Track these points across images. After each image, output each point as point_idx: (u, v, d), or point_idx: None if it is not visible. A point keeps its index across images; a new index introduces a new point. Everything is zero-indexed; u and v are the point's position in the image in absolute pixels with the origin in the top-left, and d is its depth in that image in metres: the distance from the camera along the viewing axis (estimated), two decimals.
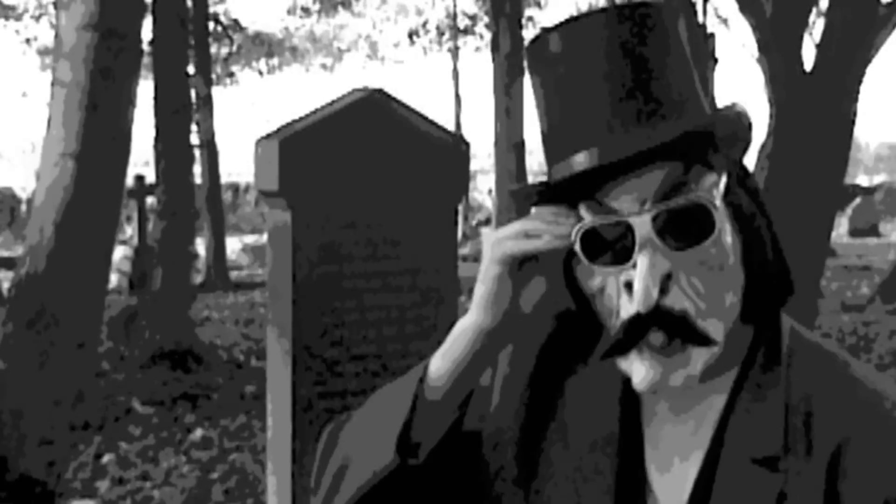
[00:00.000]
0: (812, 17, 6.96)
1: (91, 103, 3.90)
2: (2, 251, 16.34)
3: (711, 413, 1.01)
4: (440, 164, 2.93)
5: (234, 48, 18.89)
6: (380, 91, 2.91)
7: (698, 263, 0.96)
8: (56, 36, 4.07)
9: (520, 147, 12.74)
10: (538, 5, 19.07)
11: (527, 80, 1.06)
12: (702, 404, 1.02)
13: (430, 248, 2.92)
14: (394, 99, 2.91)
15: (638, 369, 0.96)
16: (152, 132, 7.71)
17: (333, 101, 2.90)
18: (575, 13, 1.05)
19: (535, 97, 1.05)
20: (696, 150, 0.97)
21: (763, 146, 6.60)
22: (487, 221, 19.58)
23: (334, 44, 26.63)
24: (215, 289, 12.34)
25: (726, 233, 0.97)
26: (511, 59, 12.49)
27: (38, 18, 18.47)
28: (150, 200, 10.07)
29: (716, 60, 11.38)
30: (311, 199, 2.78)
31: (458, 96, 22.01)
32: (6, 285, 5.85)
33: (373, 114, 2.86)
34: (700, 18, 10.96)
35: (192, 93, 9.75)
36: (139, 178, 11.40)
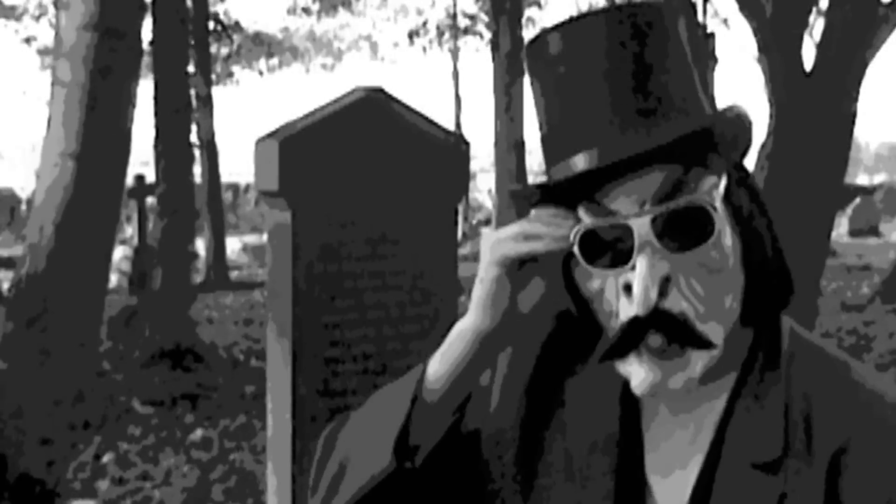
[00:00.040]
0: (812, 17, 6.95)
1: (91, 103, 3.90)
2: (2, 251, 16.34)
3: (711, 416, 1.01)
4: (440, 164, 2.93)
5: (234, 48, 18.89)
6: (380, 91, 2.91)
7: (698, 266, 0.95)
8: (56, 35, 4.07)
9: (520, 147, 12.74)
10: (538, 5, 19.05)
11: (527, 80, 1.06)
12: (701, 407, 1.02)
13: (430, 248, 2.92)
14: (394, 99, 2.91)
15: (637, 372, 0.96)
16: (152, 132, 7.71)
17: (333, 101, 2.89)
18: (575, 13, 1.04)
19: (534, 98, 1.04)
20: (696, 151, 0.96)
21: (763, 146, 6.60)
22: (487, 221, 19.58)
23: (334, 44, 26.63)
24: (215, 288, 12.34)
25: (726, 235, 0.97)
26: (511, 58, 12.49)
27: (38, 18, 18.47)
28: (150, 200, 10.06)
29: (716, 60, 11.38)
30: (311, 199, 2.78)
31: (458, 96, 22.02)
32: (6, 285, 5.85)
33: (373, 114, 2.86)
34: (700, 18, 10.96)
35: (192, 92, 9.75)
36: (139, 178, 11.39)
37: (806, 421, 0.97)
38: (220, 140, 13.05)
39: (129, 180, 10.02)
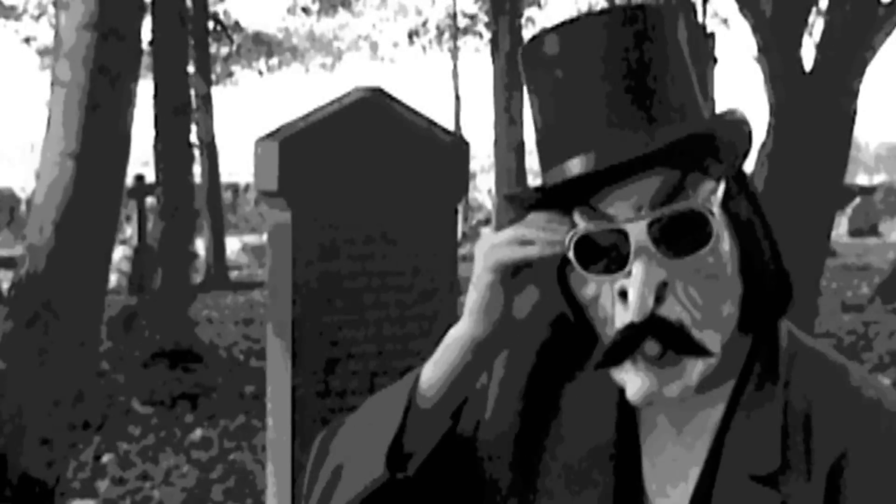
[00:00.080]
0: (812, 17, 6.96)
1: (91, 103, 3.90)
2: (2, 251, 16.34)
3: (709, 425, 1.00)
4: (440, 164, 2.93)
5: (234, 48, 18.89)
6: (380, 91, 2.91)
7: (695, 272, 0.93)
8: (56, 35, 4.06)
9: (520, 147, 12.74)
10: (538, 5, 19.06)
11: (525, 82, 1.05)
12: (699, 416, 1.00)
13: (430, 248, 2.92)
14: (394, 99, 2.91)
15: (632, 380, 0.94)
16: (152, 132, 7.71)
17: (333, 101, 2.90)
18: (575, 13, 1.04)
19: (529, 100, 1.03)
20: (695, 156, 0.95)
21: (763, 146, 6.60)
22: (487, 221, 19.59)
23: (334, 44, 26.63)
24: (215, 288, 12.34)
25: (724, 241, 0.95)
26: (511, 58, 12.49)
27: (37, 18, 18.47)
28: (150, 200, 10.07)
29: (716, 60, 11.39)
30: (310, 198, 2.78)
31: (457, 96, 22.03)
32: (6, 285, 5.85)
33: (373, 114, 2.86)
34: (700, 18, 10.97)
35: (192, 92, 9.75)
36: (139, 178, 11.40)
37: (805, 431, 0.96)
38: (219, 140, 13.05)
39: (129, 180, 10.04)
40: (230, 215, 19.36)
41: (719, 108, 1.02)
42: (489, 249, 0.99)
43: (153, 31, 7.64)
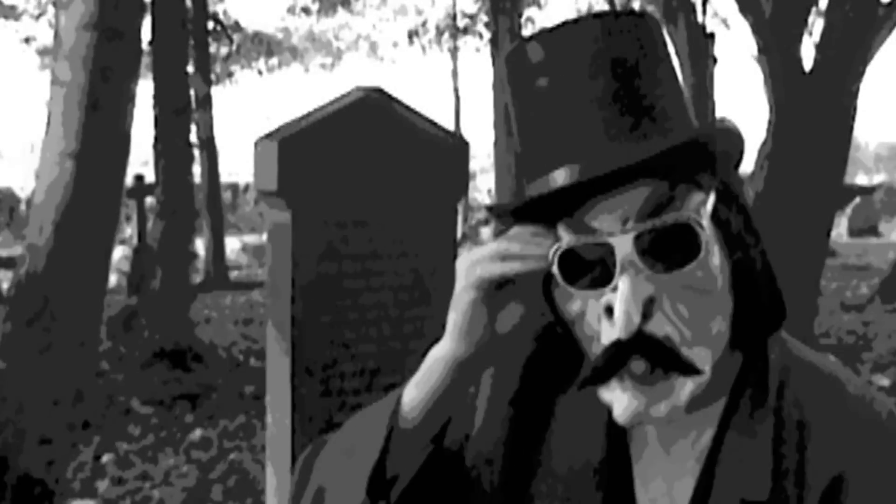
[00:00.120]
0: (812, 17, 6.96)
1: (91, 103, 3.89)
2: (2, 251, 16.34)
3: (700, 445, 0.97)
4: (440, 164, 2.93)
5: (234, 48, 18.89)
6: (379, 91, 2.91)
7: (683, 287, 0.90)
8: (56, 35, 4.06)
9: None
10: (538, 5, 19.06)
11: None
12: (690, 435, 0.98)
13: (430, 248, 2.92)
14: (393, 98, 2.91)
15: (619, 399, 0.91)
16: (152, 132, 7.71)
17: (333, 101, 2.90)
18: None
19: (512, 110, 0.99)
20: (683, 167, 0.91)
21: (763, 146, 6.60)
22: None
23: (334, 44, 26.63)
24: (214, 288, 12.35)
25: (714, 255, 0.92)
26: None
27: (37, 18, 18.47)
28: (150, 200, 10.06)
29: (715, 60, 11.39)
30: (310, 199, 2.78)
31: (457, 96, 22.04)
32: (6, 285, 5.85)
33: (372, 113, 2.86)
34: (700, 18, 10.97)
35: (192, 92, 9.75)
36: (139, 178, 11.40)
37: (799, 452, 0.94)
38: (219, 140, 13.05)
39: (129, 180, 10.04)
40: (230, 215, 19.37)
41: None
42: (470, 265, 0.95)
43: (153, 31, 7.64)
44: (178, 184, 7.65)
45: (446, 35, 21.60)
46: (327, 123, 2.81)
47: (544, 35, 0.95)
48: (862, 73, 6.50)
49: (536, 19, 18.59)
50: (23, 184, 21.07)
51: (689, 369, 0.90)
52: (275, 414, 2.86)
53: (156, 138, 7.70)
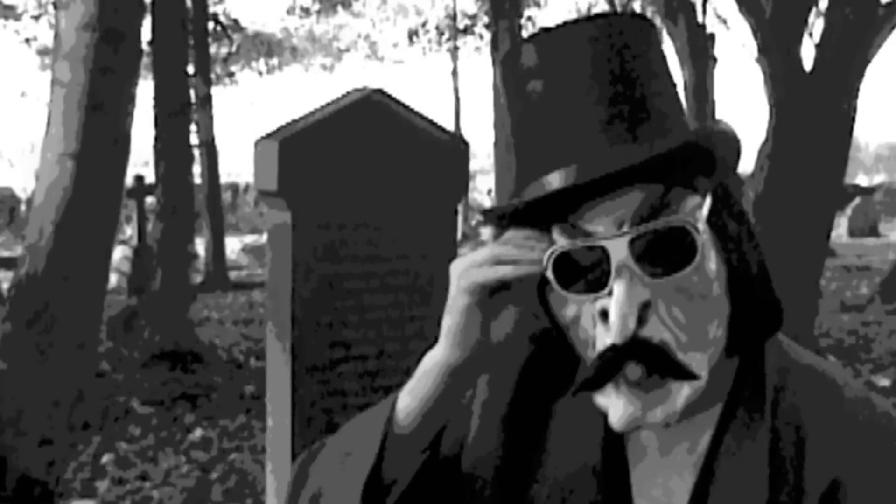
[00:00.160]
0: (812, 17, 6.96)
1: (91, 103, 3.89)
2: (2, 251, 16.35)
3: (697, 451, 0.96)
4: (440, 164, 2.93)
5: (234, 48, 18.90)
6: (379, 91, 2.91)
7: (679, 291, 0.89)
8: (56, 36, 4.06)
9: None
10: (538, 5, 19.06)
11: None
12: (687, 441, 0.97)
13: (430, 248, 2.92)
14: (393, 99, 2.91)
15: (614, 405, 0.90)
16: (152, 132, 7.72)
17: (333, 101, 2.90)
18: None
19: (508, 112, 0.98)
20: (679, 170, 0.90)
21: (763, 146, 6.61)
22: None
23: (334, 44, 26.64)
24: (215, 289, 12.35)
25: (710, 259, 0.91)
26: None
27: (37, 18, 18.48)
28: (150, 200, 10.07)
29: (715, 60, 11.40)
30: (310, 199, 2.78)
31: (457, 96, 22.05)
32: (6, 285, 5.85)
33: (372, 114, 2.86)
34: (700, 18, 10.97)
35: (192, 93, 9.76)
36: (139, 178, 11.41)
37: (797, 457, 0.93)
38: (219, 140, 13.06)
39: (129, 180, 10.04)
40: (230, 215, 19.38)
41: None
42: (464, 270, 0.94)
43: (153, 31, 7.64)
44: (178, 184, 7.66)
45: (446, 35, 21.61)
46: (327, 124, 2.81)
47: (540, 37, 0.94)
48: (862, 73, 6.50)
49: (536, 19, 18.60)
50: (23, 184, 21.07)
51: (686, 374, 0.89)
52: (275, 414, 2.86)
53: (156, 138, 7.70)
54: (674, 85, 0.97)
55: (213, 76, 14.03)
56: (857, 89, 6.50)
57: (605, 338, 0.89)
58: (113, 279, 9.57)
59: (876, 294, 9.87)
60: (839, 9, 6.48)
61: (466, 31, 21.08)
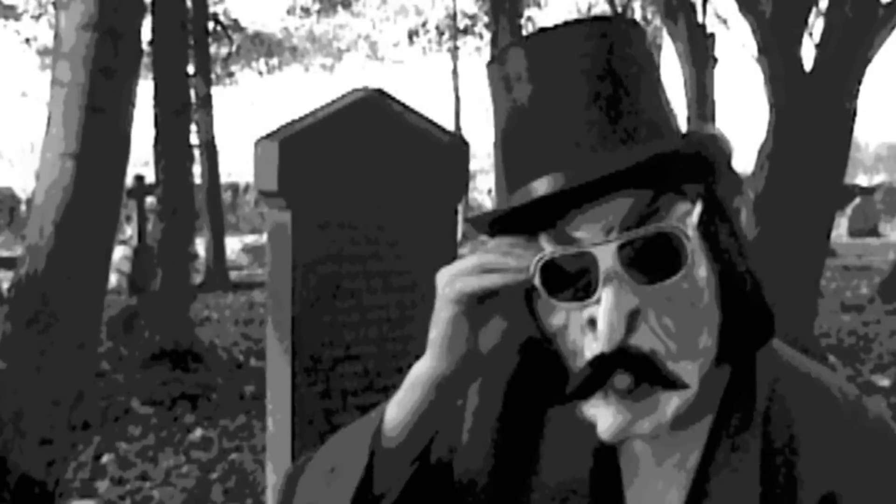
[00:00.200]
0: (812, 17, 6.96)
1: (91, 103, 3.89)
2: (2, 251, 16.35)
3: (690, 463, 0.95)
4: (440, 164, 2.93)
5: (234, 48, 18.90)
6: (379, 91, 2.91)
7: (669, 299, 0.87)
8: (56, 36, 4.06)
9: None
10: (538, 5, 19.07)
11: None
12: (679, 451, 0.95)
13: (430, 248, 2.92)
14: (393, 99, 2.91)
15: (602, 415, 0.88)
16: (152, 132, 7.72)
17: (333, 101, 2.90)
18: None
19: (495, 116, 0.97)
20: (669, 176, 0.89)
21: (763, 146, 6.61)
22: None
23: (334, 44, 26.64)
24: (215, 289, 12.35)
25: (700, 266, 0.89)
26: None
27: (37, 18, 18.48)
28: (150, 200, 10.07)
29: (715, 60, 11.40)
30: (310, 199, 2.78)
31: (457, 96, 22.05)
32: (6, 285, 5.85)
33: (372, 114, 2.86)
34: (700, 18, 10.97)
35: (192, 93, 9.75)
36: (139, 178, 11.41)
37: (789, 467, 0.91)
38: (219, 140, 13.05)
39: (129, 180, 10.04)
40: (230, 215, 19.38)
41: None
42: (449, 279, 0.92)
43: (153, 31, 7.64)
44: (178, 184, 7.66)
45: (446, 35, 21.61)
46: (327, 124, 2.81)
47: (527, 41, 0.93)
48: (862, 73, 6.50)
49: (536, 19, 18.61)
50: (23, 184, 21.08)
51: (675, 384, 0.87)
52: (275, 414, 2.86)
53: (156, 138, 7.70)
54: (664, 89, 0.95)
55: (213, 76, 14.03)
56: (857, 89, 6.50)
57: (592, 347, 0.88)
58: (113, 279, 9.58)
59: (876, 294, 9.88)
60: (839, 9, 6.48)
61: (466, 31, 21.09)
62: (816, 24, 7.18)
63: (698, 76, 10.74)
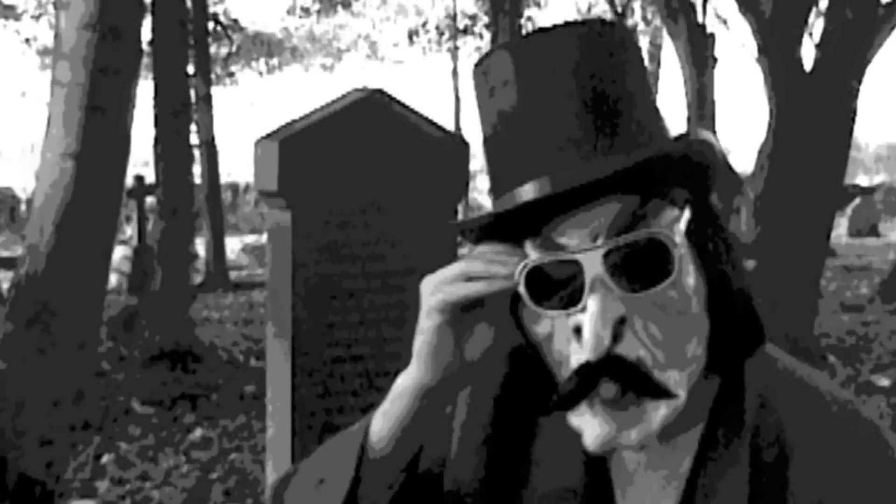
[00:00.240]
0: (812, 17, 6.96)
1: (91, 103, 3.89)
2: (2, 251, 16.35)
3: (680, 473, 0.93)
4: (440, 164, 2.93)
5: (234, 48, 18.91)
6: (379, 91, 2.91)
7: (656, 307, 0.86)
8: (56, 36, 4.06)
9: None
10: (538, 5, 19.06)
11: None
12: (669, 461, 0.94)
13: (430, 248, 2.92)
14: (393, 99, 2.91)
15: (589, 425, 0.87)
16: (152, 132, 7.72)
17: (333, 101, 2.90)
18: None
19: (480, 121, 0.95)
20: (656, 181, 0.87)
21: (763, 146, 6.61)
22: None
23: (334, 44, 26.64)
24: (215, 289, 12.34)
25: (688, 274, 0.88)
26: None
27: (37, 18, 18.48)
28: (150, 200, 10.07)
29: (715, 60, 11.39)
30: (310, 199, 2.78)
31: (457, 96, 22.03)
32: (6, 285, 5.86)
33: (372, 114, 2.86)
34: (700, 18, 10.97)
35: (192, 93, 9.75)
36: (139, 178, 11.40)
37: (779, 477, 0.90)
38: (219, 140, 13.05)
39: (129, 180, 10.04)
40: (230, 215, 19.37)
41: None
42: (434, 288, 0.91)
43: (153, 31, 7.64)
44: (178, 184, 7.66)
45: (446, 35, 21.61)
46: (327, 124, 2.81)
47: (514, 44, 0.91)
48: (862, 73, 6.50)
49: (536, 19, 18.61)
50: (23, 184, 21.07)
51: (662, 393, 0.86)
52: (275, 414, 2.86)
53: (156, 138, 7.70)
54: (651, 93, 0.94)
55: (213, 76, 14.03)
56: (857, 89, 6.51)
57: (578, 355, 0.86)
58: (113, 279, 9.57)
59: (876, 294, 9.87)
60: (839, 9, 6.49)
61: (466, 31, 21.08)
62: (816, 24, 7.18)
63: (698, 76, 10.74)
